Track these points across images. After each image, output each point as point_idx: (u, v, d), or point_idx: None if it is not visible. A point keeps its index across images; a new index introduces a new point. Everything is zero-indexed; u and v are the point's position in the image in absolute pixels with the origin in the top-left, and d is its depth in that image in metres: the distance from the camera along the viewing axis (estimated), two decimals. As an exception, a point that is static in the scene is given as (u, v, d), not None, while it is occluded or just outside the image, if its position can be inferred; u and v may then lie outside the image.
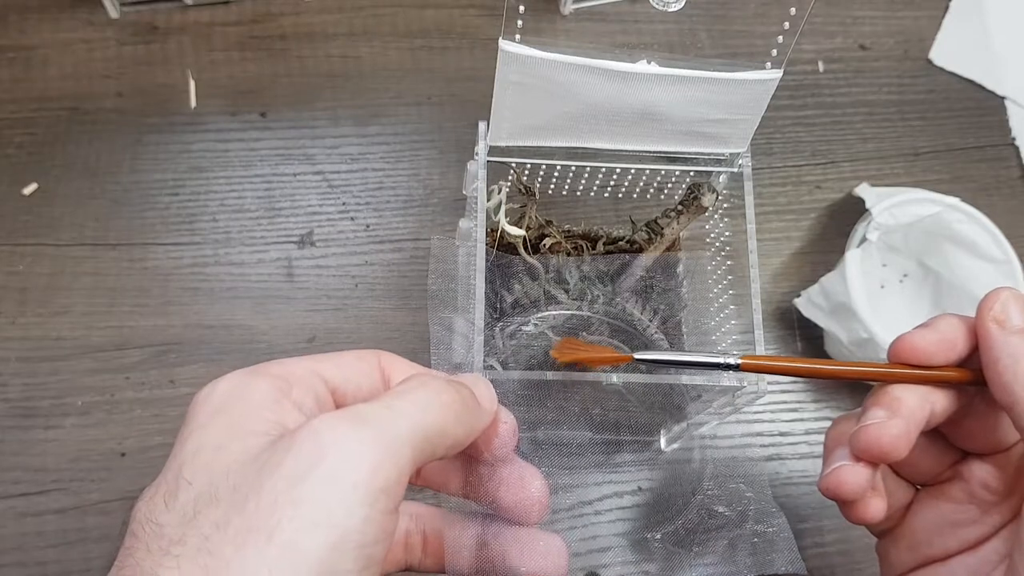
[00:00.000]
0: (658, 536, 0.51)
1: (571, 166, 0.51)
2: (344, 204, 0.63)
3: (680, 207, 0.50)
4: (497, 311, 0.53)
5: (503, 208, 0.51)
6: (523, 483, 0.30)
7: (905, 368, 0.35)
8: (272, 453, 0.24)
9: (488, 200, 0.50)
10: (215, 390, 0.26)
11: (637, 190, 0.56)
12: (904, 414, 0.33)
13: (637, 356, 0.41)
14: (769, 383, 0.46)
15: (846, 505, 0.36)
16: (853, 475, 0.34)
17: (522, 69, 0.42)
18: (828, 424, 0.61)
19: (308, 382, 0.28)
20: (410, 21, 0.69)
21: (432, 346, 0.54)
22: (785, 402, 0.61)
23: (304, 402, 0.27)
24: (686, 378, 0.46)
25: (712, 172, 0.51)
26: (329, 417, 0.24)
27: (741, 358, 0.39)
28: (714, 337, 0.53)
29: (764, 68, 0.44)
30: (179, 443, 0.25)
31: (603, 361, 0.42)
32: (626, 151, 0.49)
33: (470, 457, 0.31)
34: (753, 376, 0.46)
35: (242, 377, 0.27)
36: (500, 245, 0.54)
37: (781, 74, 0.44)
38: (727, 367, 0.39)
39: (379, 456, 0.23)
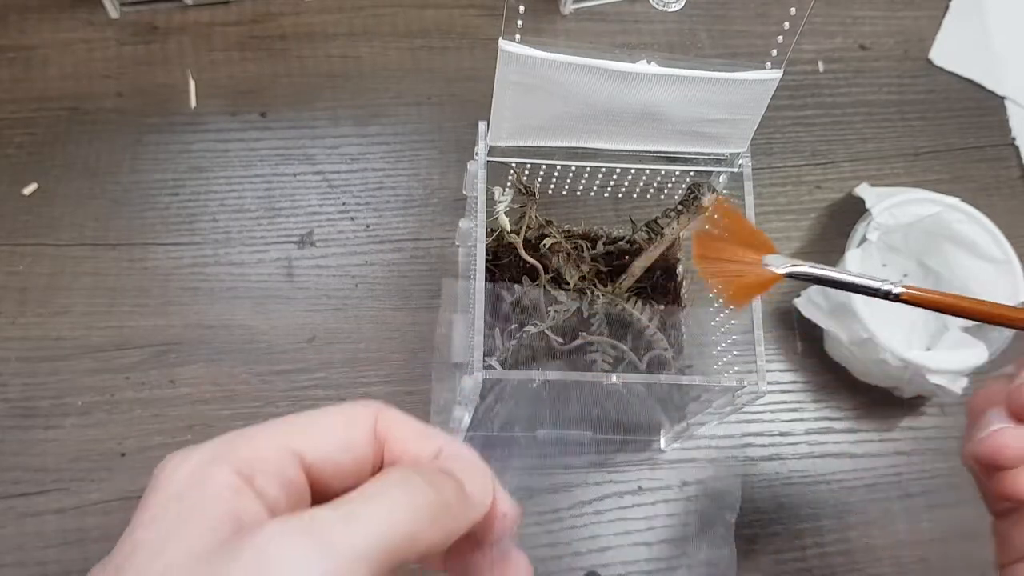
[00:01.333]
0: None
1: (571, 166, 0.51)
2: (344, 204, 0.63)
3: (680, 207, 0.50)
4: (497, 311, 0.53)
5: (504, 205, 0.51)
6: (508, 570, 0.26)
7: None
8: (213, 563, 0.21)
9: (497, 200, 0.50)
10: (175, 475, 0.24)
11: (637, 190, 0.56)
12: None
13: (788, 270, 0.36)
14: (769, 383, 0.46)
15: (999, 474, 0.31)
16: (1015, 439, 0.30)
17: (522, 69, 0.42)
18: (828, 424, 0.61)
19: (277, 465, 0.25)
20: (410, 21, 0.69)
21: (432, 409, 0.54)
22: (785, 402, 0.61)
23: (268, 491, 0.24)
24: (686, 379, 0.46)
25: (712, 172, 0.51)
26: (278, 526, 0.22)
27: (903, 287, 0.36)
28: (714, 337, 0.53)
29: (764, 68, 0.44)
30: (129, 529, 0.24)
31: (742, 277, 0.37)
32: (626, 151, 0.49)
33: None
34: (753, 376, 0.46)
35: (204, 463, 0.23)
36: (500, 245, 0.54)
37: (781, 74, 0.44)
38: (886, 295, 0.36)
39: None
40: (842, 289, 0.37)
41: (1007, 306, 0.35)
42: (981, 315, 0.36)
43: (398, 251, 0.62)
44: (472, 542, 0.26)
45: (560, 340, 0.50)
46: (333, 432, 0.27)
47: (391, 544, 0.22)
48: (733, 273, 0.37)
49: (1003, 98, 0.73)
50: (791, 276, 0.36)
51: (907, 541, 0.59)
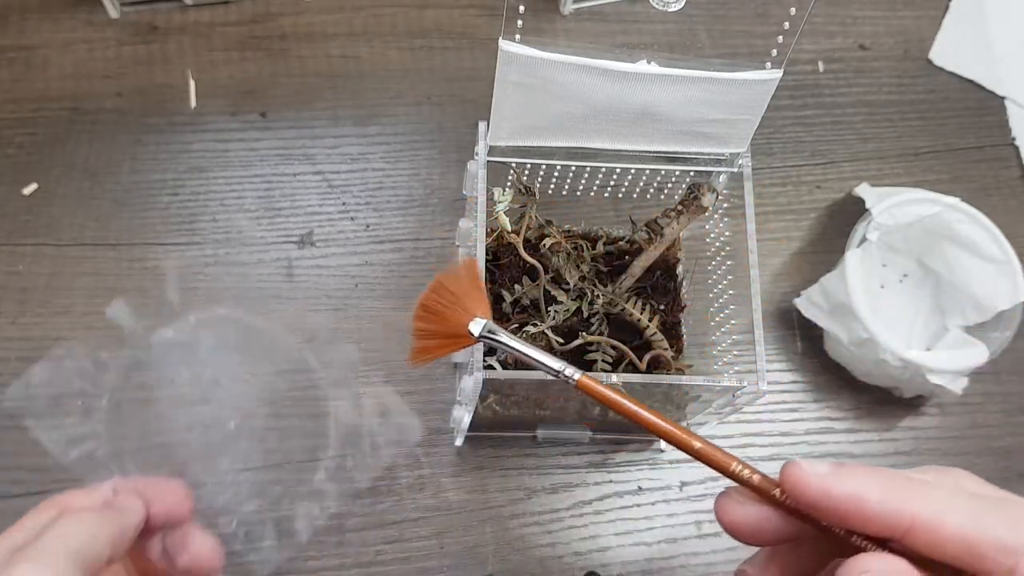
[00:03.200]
0: None
1: (571, 166, 0.51)
2: (344, 204, 0.63)
3: (680, 207, 0.50)
4: (497, 311, 0.53)
5: (504, 205, 0.51)
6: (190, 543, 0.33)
7: (714, 450, 0.30)
8: None
9: (497, 200, 0.50)
10: None
11: (637, 190, 0.56)
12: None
13: (477, 334, 0.38)
14: (769, 383, 0.46)
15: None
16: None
17: (522, 69, 0.42)
18: (828, 424, 0.61)
19: None
20: (410, 21, 0.69)
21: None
22: (785, 402, 0.61)
23: None
24: (686, 379, 0.46)
25: (712, 172, 0.51)
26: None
27: (582, 376, 0.35)
28: (714, 337, 0.53)
29: (764, 68, 0.44)
30: None
31: (449, 346, 0.39)
32: (626, 151, 0.49)
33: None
34: (753, 376, 0.46)
35: None
36: (500, 245, 0.54)
37: (781, 74, 0.44)
38: (564, 380, 0.36)
39: None
40: (527, 362, 0.37)
41: (672, 424, 0.33)
42: (644, 424, 0.34)
43: (398, 251, 0.62)
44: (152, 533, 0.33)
45: (560, 340, 0.50)
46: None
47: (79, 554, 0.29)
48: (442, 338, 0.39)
49: (1003, 98, 0.73)
50: (484, 339, 0.38)
51: None
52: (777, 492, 0.29)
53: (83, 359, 0.55)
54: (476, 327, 0.38)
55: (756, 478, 0.29)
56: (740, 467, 0.30)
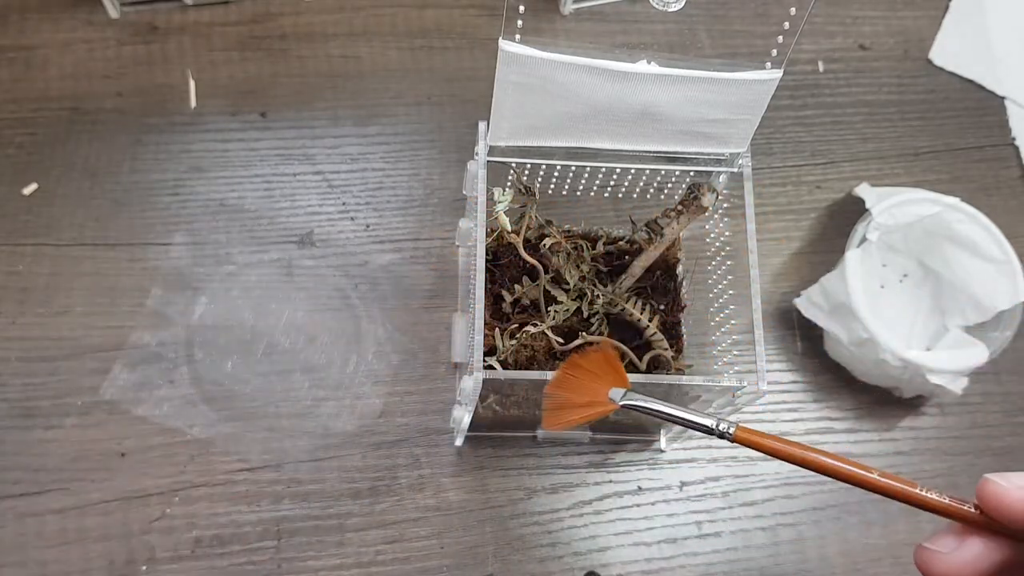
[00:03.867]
0: None
1: (571, 166, 0.51)
2: (344, 204, 0.63)
3: (680, 207, 0.50)
4: (497, 311, 0.53)
5: (504, 205, 0.51)
6: None
7: (906, 487, 0.30)
8: None
9: (496, 200, 0.50)
10: None
11: (637, 190, 0.56)
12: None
13: (624, 403, 0.38)
14: (769, 383, 0.46)
15: None
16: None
17: (522, 69, 0.42)
18: (828, 424, 0.61)
19: None
20: (410, 21, 0.69)
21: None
22: (785, 402, 0.61)
23: None
24: (686, 379, 0.46)
25: (712, 172, 0.51)
26: None
27: (738, 429, 0.35)
28: (714, 337, 0.53)
29: (764, 68, 0.43)
30: None
31: (589, 416, 0.39)
32: (626, 151, 0.49)
33: None
34: (753, 376, 0.46)
35: None
36: (500, 245, 0.54)
37: (781, 74, 0.44)
38: (719, 435, 0.36)
39: None
40: (675, 423, 0.38)
41: (843, 460, 0.32)
42: (814, 466, 0.33)
43: (398, 251, 0.62)
44: None
45: (560, 340, 0.50)
46: None
47: None
48: (581, 406, 0.39)
49: (1003, 98, 0.73)
50: (627, 407, 0.38)
51: (907, 541, 0.59)
52: (973, 509, 0.27)
53: (150, 344, 0.57)
54: (616, 394, 0.38)
55: (949, 501, 0.28)
56: (926, 491, 0.29)
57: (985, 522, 0.27)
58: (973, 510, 0.27)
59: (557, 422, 0.39)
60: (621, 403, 0.38)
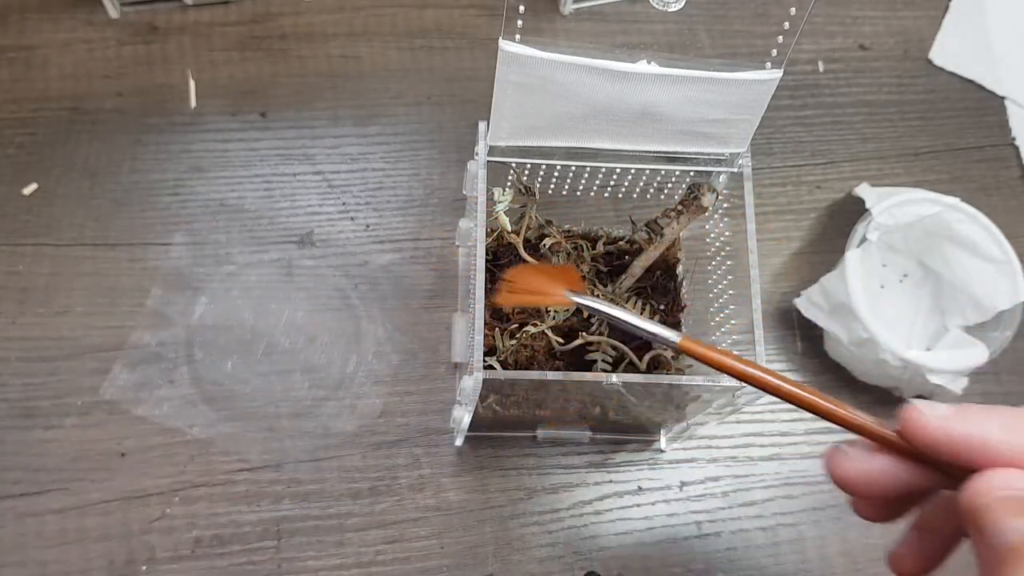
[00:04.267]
0: None
1: (571, 166, 0.51)
2: (344, 204, 0.63)
3: (680, 207, 0.50)
4: (497, 311, 0.53)
5: (504, 205, 0.51)
6: None
7: (833, 405, 0.31)
8: None
9: (496, 201, 0.50)
10: None
11: (637, 190, 0.56)
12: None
13: (574, 298, 0.42)
14: (769, 383, 0.46)
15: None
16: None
17: (522, 69, 0.42)
18: (828, 424, 0.61)
19: None
20: (410, 21, 0.69)
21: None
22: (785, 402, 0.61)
23: None
24: (686, 379, 0.46)
25: (712, 172, 0.51)
26: None
27: (683, 338, 0.37)
28: (714, 337, 0.53)
29: (764, 68, 0.44)
30: None
31: (541, 302, 0.43)
32: (626, 151, 0.49)
33: None
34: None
35: None
36: (500, 245, 0.54)
37: (781, 74, 0.44)
38: (664, 344, 0.38)
39: None
40: (622, 327, 0.40)
41: (779, 377, 0.33)
42: (750, 380, 0.34)
43: (398, 251, 0.62)
44: None
45: (560, 340, 0.50)
46: None
47: None
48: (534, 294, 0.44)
49: (1003, 98, 0.73)
50: (578, 304, 0.42)
51: (907, 541, 0.58)
52: (893, 435, 0.29)
53: (151, 344, 0.57)
54: (571, 294, 0.42)
55: (871, 421, 0.29)
56: (851, 411, 0.30)
57: (901, 446, 0.29)
58: (893, 434, 0.29)
59: (506, 301, 0.43)
60: (573, 299, 0.41)
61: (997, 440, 0.26)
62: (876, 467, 0.29)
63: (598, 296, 0.52)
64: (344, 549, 0.54)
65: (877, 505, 0.31)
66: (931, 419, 0.27)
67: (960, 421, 0.26)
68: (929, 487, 0.29)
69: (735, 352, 0.51)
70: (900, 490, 0.29)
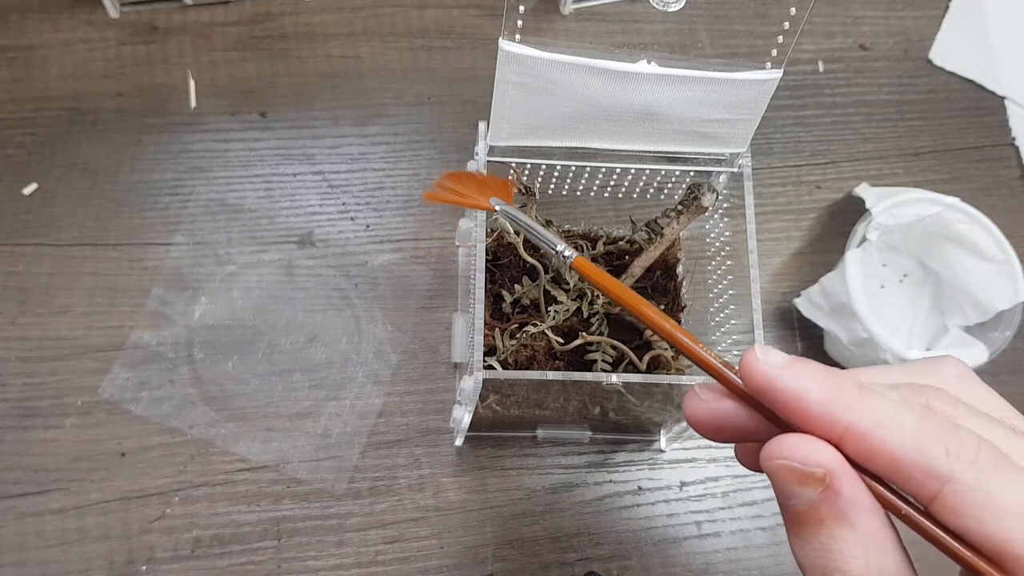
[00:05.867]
0: None
1: (571, 166, 0.51)
2: (344, 204, 0.63)
3: (680, 207, 0.50)
4: (497, 311, 0.53)
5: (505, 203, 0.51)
6: None
7: (692, 343, 0.30)
8: None
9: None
10: None
11: (637, 190, 0.56)
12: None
13: (497, 207, 0.42)
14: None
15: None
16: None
17: (522, 69, 0.42)
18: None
19: None
20: (410, 21, 0.69)
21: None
22: (785, 402, 0.61)
23: None
24: (686, 379, 0.46)
25: (712, 172, 0.51)
26: None
27: (576, 258, 0.37)
28: (714, 337, 0.53)
29: (764, 68, 0.44)
30: None
31: (466, 203, 0.44)
32: (626, 151, 0.49)
33: None
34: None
35: None
36: (500, 245, 0.54)
37: (781, 74, 0.44)
38: (561, 259, 0.39)
39: None
40: (533, 239, 0.41)
41: (650, 307, 0.33)
42: (626, 305, 0.34)
43: (398, 251, 0.62)
44: None
45: (560, 340, 0.50)
46: None
47: None
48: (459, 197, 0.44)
49: (1003, 98, 0.73)
50: (500, 212, 0.42)
51: (907, 540, 0.58)
52: (738, 381, 0.28)
53: (151, 344, 0.57)
54: (496, 202, 0.42)
55: (718, 362, 0.29)
56: (707, 352, 0.30)
57: (744, 392, 0.28)
58: (738, 380, 0.28)
59: (435, 197, 0.44)
60: (497, 207, 0.42)
61: (814, 404, 0.25)
62: (722, 410, 0.29)
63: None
64: (344, 549, 0.54)
65: (749, 451, 0.30)
66: (760, 366, 0.26)
67: (786, 374, 0.26)
68: (767, 431, 0.29)
69: (734, 352, 0.51)
70: (747, 436, 0.29)
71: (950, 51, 0.74)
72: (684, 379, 0.46)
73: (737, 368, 0.28)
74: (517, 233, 0.52)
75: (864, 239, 0.60)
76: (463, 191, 0.44)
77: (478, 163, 0.48)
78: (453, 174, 0.45)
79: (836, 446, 0.25)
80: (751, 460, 0.30)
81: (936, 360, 0.29)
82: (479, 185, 0.44)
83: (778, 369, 0.26)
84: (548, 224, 0.54)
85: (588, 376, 0.45)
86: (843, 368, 0.29)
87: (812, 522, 0.25)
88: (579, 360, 0.51)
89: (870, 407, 0.25)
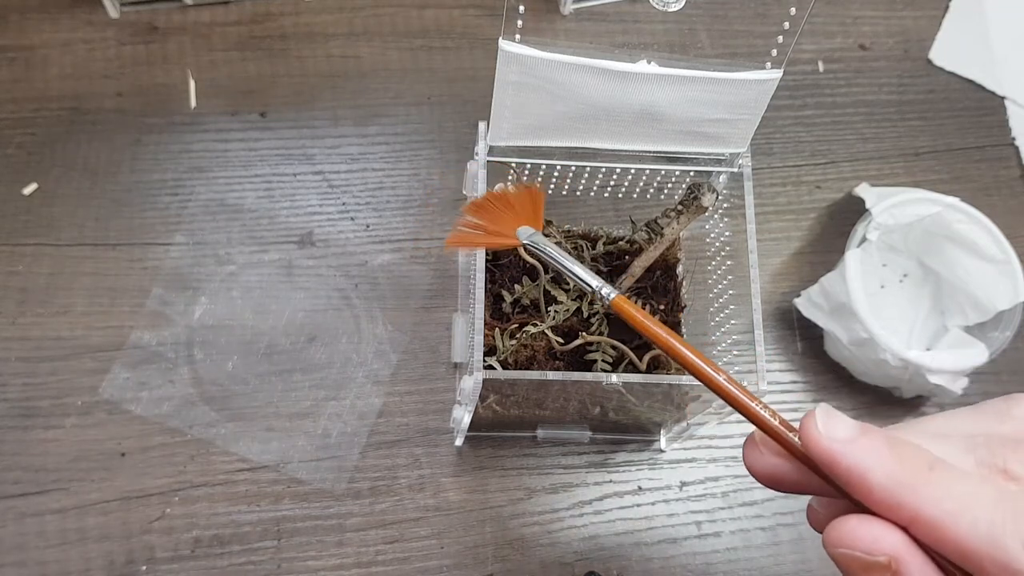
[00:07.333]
0: None
1: (571, 166, 0.51)
2: (344, 204, 0.63)
3: (680, 207, 0.50)
4: (497, 311, 0.53)
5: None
6: None
7: (746, 398, 0.29)
8: None
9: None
10: None
11: (637, 190, 0.56)
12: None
13: (525, 240, 0.41)
14: (769, 383, 0.46)
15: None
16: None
17: (522, 69, 0.42)
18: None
19: None
20: (410, 21, 0.69)
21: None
22: (785, 402, 0.61)
23: None
24: (686, 379, 0.46)
25: (712, 172, 0.51)
26: None
27: (616, 297, 0.37)
28: (714, 337, 0.53)
29: (764, 68, 0.44)
30: None
31: (492, 244, 0.43)
32: (626, 151, 0.49)
33: None
34: (753, 376, 0.46)
35: None
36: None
37: (781, 74, 0.44)
38: (599, 299, 0.38)
39: None
40: (566, 275, 0.41)
41: (700, 356, 0.31)
42: (670, 353, 0.33)
43: (398, 251, 0.62)
44: None
45: (560, 340, 0.50)
46: None
47: None
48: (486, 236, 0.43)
49: (1003, 98, 0.73)
50: (528, 247, 0.42)
51: None
52: (797, 440, 0.27)
53: (151, 344, 0.57)
54: (524, 233, 0.41)
55: (776, 423, 0.28)
56: (762, 408, 0.29)
57: (803, 454, 0.27)
58: (798, 441, 0.27)
59: (458, 243, 0.43)
60: (524, 241, 0.41)
61: (875, 483, 0.24)
62: (784, 468, 0.28)
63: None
64: (344, 549, 0.54)
65: (816, 513, 0.29)
66: (823, 442, 0.25)
67: (848, 451, 0.24)
68: (832, 493, 0.27)
69: (734, 352, 0.51)
70: (809, 491, 0.28)
71: (950, 51, 0.74)
72: (684, 379, 0.46)
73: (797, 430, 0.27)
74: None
75: (864, 239, 0.60)
76: (488, 225, 0.42)
77: (478, 163, 0.48)
78: (477, 203, 0.44)
79: (904, 527, 0.24)
80: (817, 521, 0.29)
81: (1009, 400, 0.27)
82: (505, 207, 0.43)
83: (840, 445, 0.25)
84: (548, 224, 0.54)
85: (588, 376, 0.45)
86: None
87: None
88: (579, 360, 0.51)
89: (939, 493, 0.23)
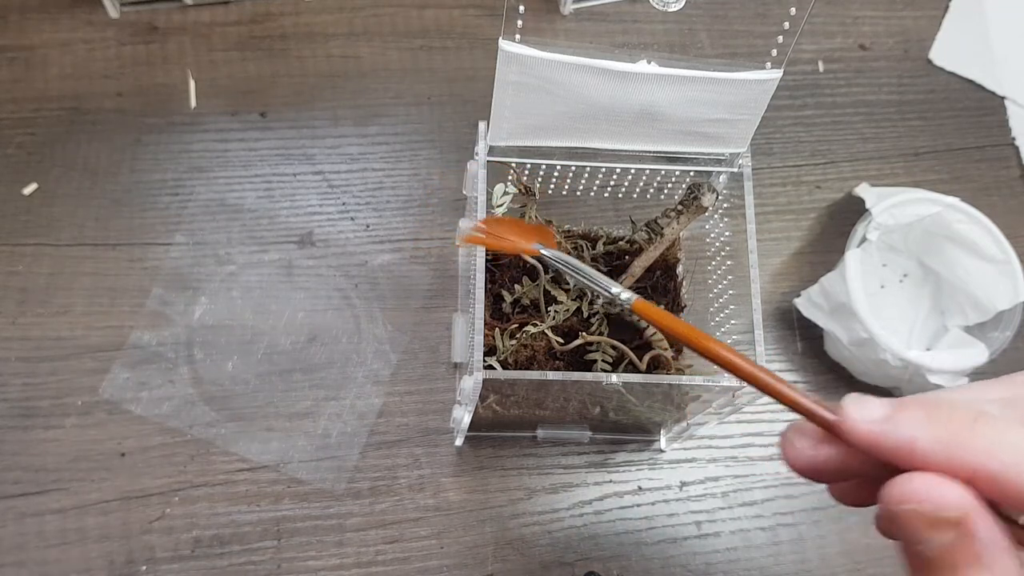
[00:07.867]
0: None
1: (571, 166, 0.51)
2: (344, 204, 0.63)
3: (680, 207, 0.50)
4: (497, 311, 0.53)
5: (505, 203, 0.51)
6: None
7: (782, 384, 0.29)
8: None
9: (496, 201, 0.50)
10: None
11: (637, 190, 0.56)
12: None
13: (543, 251, 0.44)
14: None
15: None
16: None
17: (522, 69, 0.42)
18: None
19: None
20: (410, 21, 0.69)
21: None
22: (785, 402, 0.61)
23: None
24: (686, 379, 0.46)
25: (712, 172, 0.51)
26: None
27: (636, 301, 0.39)
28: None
29: (764, 68, 0.44)
30: None
31: (508, 248, 0.45)
32: (626, 151, 0.49)
33: None
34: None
35: None
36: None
37: (781, 74, 0.44)
38: (619, 305, 0.40)
39: None
40: (583, 282, 0.43)
41: (726, 348, 0.32)
42: (699, 349, 0.34)
43: (398, 251, 0.62)
44: None
45: (560, 340, 0.50)
46: None
47: None
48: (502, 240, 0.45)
49: (1003, 98, 0.73)
50: (545, 256, 0.44)
51: None
52: (836, 418, 0.27)
53: (151, 344, 0.57)
54: (539, 247, 0.44)
55: (818, 408, 0.27)
56: (800, 395, 0.28)
57: (843, 434, 0.27)
58: (836, 419, 0.27)
59: (474, 240, 0.45)
60: (542, 251, 0.44)
61: (925, 450, 0.24)
62: (823, 457, 0.27)
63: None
64: (344, 549, 0.54)
65: (845, 489, 0.29)
66: (861, 426, 0.25)
67: (889, 429, 0.24)
68: (878, 475, 0.27)
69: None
70: (852, 474, 0.27)
71: (950, 51, 0.74)
72: (684, 379, 0.46)
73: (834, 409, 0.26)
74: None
75: (864, 239, 0.60)
76: (504, 234, 0.45)
77: (478, 163, 0.48)
78: (492, 219, 0.46)
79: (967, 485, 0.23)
80: (851, 496, 0.28)
81: None
82: (519, 230, 0.45)
83: (880, 425, 0.25)
84: (548, 224, 0.54)
85: (588, 376, 0.45)
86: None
87: (944, 567, 0.23)
88: (579, 360, 0.51)
89: (991, 444, 0.23)
